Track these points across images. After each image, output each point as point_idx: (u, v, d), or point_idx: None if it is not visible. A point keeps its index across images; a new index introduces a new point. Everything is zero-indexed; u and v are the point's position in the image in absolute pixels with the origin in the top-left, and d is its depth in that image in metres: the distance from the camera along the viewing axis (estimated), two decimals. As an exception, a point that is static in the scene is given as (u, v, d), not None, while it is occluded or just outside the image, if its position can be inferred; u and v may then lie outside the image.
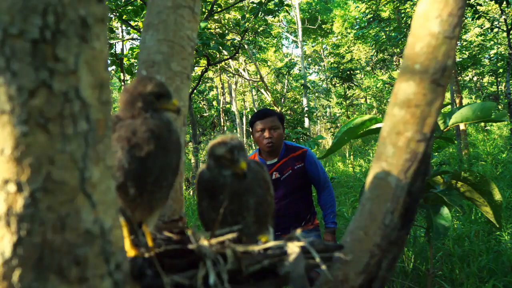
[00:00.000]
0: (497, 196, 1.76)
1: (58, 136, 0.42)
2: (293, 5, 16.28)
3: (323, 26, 21.47)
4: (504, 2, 7.60)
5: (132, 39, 6.51)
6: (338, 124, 15.68)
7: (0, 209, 0.42)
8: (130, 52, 5.77)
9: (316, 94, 23.10)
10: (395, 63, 16.11)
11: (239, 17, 8.00)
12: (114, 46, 5.98)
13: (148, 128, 0.69)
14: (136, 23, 5.44)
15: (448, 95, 10.16)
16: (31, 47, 0.40)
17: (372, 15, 14.55)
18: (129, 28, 6.32)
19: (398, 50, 14.01)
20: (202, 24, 4.89)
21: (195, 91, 8.18)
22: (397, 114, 0.74)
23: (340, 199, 6.50)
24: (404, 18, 11.99)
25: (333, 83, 15.93)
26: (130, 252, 0.65)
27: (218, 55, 6.64)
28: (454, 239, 3.88)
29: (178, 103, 0.75)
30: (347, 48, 18.98)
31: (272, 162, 2.77)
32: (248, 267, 0.63)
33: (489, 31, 10.07)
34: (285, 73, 14.81)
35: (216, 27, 8.18)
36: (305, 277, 0.66)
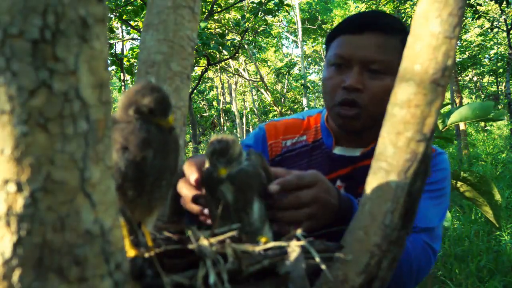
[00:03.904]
0: (497, 196, 1.77)
1: (58, 136, 0.42)
2: (293, 5, 16.27)
3: (323, 26, 21.45)
4: (504, 2, 7.60)
5: (132, 39, 6.51)
6: (338, 124, 15.61)
7: (0, 209, 0.42)
8: (130, 52, 5.77)
9: (316, 94, 23.09)
10: (395, 63, 16.05)
11: (239, 17, 8.00)
12: (114, 46, 5.98)
13: (141, 135, 0.67)
14: (136, 23, 5.44)
15: (448, 95, 10.17)
16: (31, 47, 0.40)
17: (372, 15, 14.49)
18: (129, 28, 6.32)
19: (398, 50, 13.95)
20: (202, 24, 4.89)
21: (195, 91, 8.18)
22: (397, 114, 0.74)
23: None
24: (404, 18, 11.99)
25: (333, 83, 15.88)
26: (130, 252, 0.65)
27: (218, 55, 6.64)
28: (454, 239, 3.88)
29: (173, 121, 0.70)
30: (347, 48, 18.89)
31: (349, 155, 1.14)
32: (248, 267, 0.63)
33: (489, 31, 10.07)
34: (285, 73, 14.81)
35: (216, 27, 8.17)
36: (305, 277, 0.66)
